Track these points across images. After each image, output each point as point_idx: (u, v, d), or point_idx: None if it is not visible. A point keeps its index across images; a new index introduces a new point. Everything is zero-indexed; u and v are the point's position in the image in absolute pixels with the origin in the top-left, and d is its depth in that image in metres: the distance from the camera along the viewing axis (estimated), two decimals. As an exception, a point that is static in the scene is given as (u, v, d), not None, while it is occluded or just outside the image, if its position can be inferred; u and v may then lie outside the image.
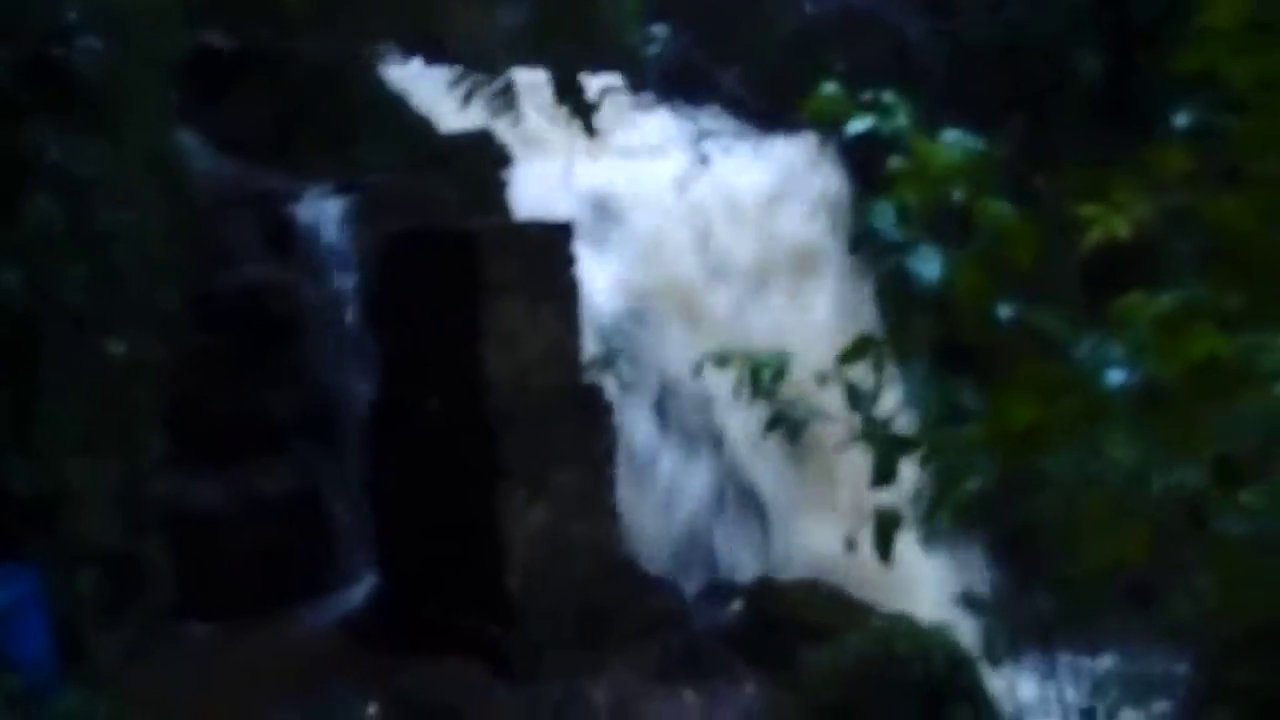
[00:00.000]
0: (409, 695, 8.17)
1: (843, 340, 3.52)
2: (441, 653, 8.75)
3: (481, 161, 11.63)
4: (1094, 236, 2.56)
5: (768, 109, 13.44)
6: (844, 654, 8.07)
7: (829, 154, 12.82)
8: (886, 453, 3.47)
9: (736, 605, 10.20)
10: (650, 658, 9.21)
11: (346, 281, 10.01)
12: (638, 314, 9.88)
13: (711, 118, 12.98)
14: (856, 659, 8.00)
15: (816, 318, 11.70)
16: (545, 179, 11.52)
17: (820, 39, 14.10)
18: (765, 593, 9.30)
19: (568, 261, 9.13)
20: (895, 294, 3.12)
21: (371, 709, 7.58)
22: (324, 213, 10.03)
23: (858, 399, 3.52)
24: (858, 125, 3.20)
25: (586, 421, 9.19)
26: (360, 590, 9.98)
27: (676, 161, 11.75)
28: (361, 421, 9.67)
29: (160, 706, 7.99)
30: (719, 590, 10.46)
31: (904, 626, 8.11)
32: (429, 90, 12.73)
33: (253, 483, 9.90)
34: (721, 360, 3.79)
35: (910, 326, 3.29)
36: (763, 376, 3.80)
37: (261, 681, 8.58)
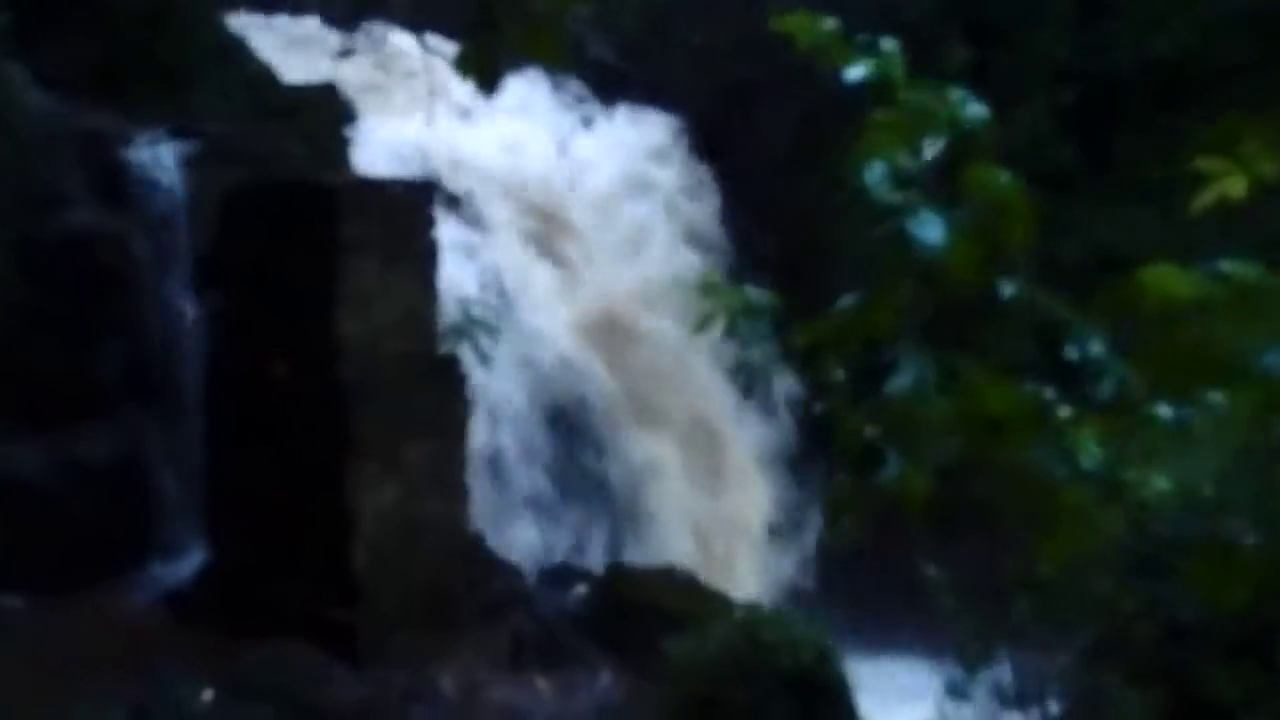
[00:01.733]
0: (245, 680, 7.56)
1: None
2: (278, 634, 8.12)
3: (325, 116, 10.99)
4: (1207, 197, 2.19)
5: (622, 79, 13.17)
6: (708, 643, 7.78)
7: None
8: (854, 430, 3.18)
9: (582, 589, 9.87)
10: (500, 643, 8.77)
11: (182, 233, 9.26)
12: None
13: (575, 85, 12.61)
14: (722, 648, 7.72)
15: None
16: (392, 138, 11.02)
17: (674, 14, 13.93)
18: (618, 578, 8.92)
19: (428, 222, 8.59)
20: (889, 257, 2.82)
21: (206, 694, 6.99)
22: (159, 158, 9.25)
23: (826, 373, 3.24)
24: (855, 72, 2.90)
25: (442, 393, 8.71)
26: (187, 564, 9.29)
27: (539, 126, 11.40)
28: (196, 385, 9.02)
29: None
30: (563, 574, 10.10)
31: (769, 615, 7.87)
32: (271, 40, 12.06)
33: (74, 448, 9.06)
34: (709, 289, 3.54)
35: (902, 293, 2.99)
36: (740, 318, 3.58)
37: (81, 663, 7.84)
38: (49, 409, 8.84)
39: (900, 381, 2.98)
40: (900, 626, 11.70)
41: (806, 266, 12.76)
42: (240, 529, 8.76)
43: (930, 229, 2.84)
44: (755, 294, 4.32)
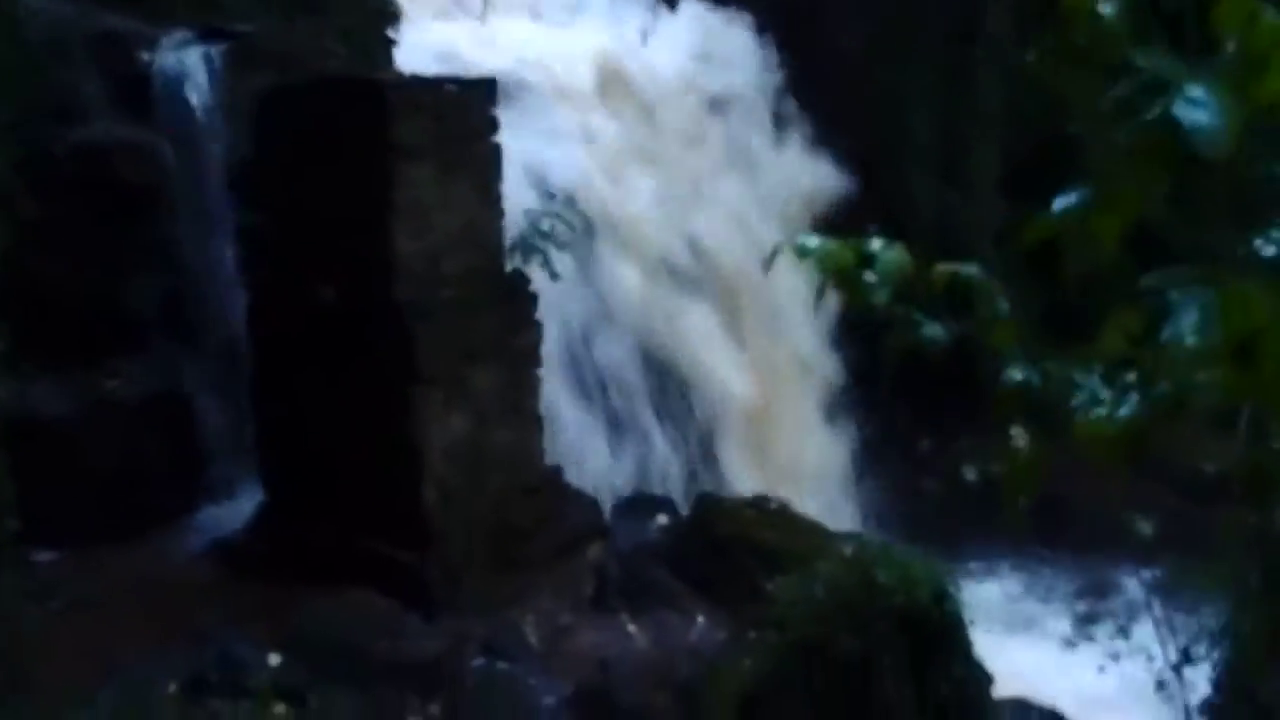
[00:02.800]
0: (308, 636, 6.77)
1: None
2: (340, 582, 7.28)
3: (366, 14, 9.99)
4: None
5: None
6: (815, 584, 6.93)
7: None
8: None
9: (664, 519, 9.04)
10: (581, 582, 7.93)
11: (214, 144, 8.30)
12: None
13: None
14: (831, 589, 6.85)
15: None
16: (440, 41, 10.01)
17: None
18: (707, 510, 8.03)
19: (489, 124, 7.64)
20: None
21: (272, 659, 6.19)
22: (186, 62, 8.31)
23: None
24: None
25: (510, 314, 7.82)
26: (236, 508, 8.41)
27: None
28: (237, 311, 8.11)
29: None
30: (641, 504, 9.25)
31: (880, 551, 6.99)
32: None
33: (105, 385, 8.24)
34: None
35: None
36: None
37: (125, 623, 7.03)
38: (75, 344, 7.95)
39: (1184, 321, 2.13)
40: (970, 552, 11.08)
41: (880, 164, 11.84)
42: (294, 468, 7.90)
43: (1198, 109, 1.97)
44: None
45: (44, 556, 7.77)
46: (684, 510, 9.11)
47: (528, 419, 7.96)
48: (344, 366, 7.52)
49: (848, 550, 7.02)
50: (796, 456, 10.63)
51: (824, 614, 6.67)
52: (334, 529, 7.54)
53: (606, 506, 8.99)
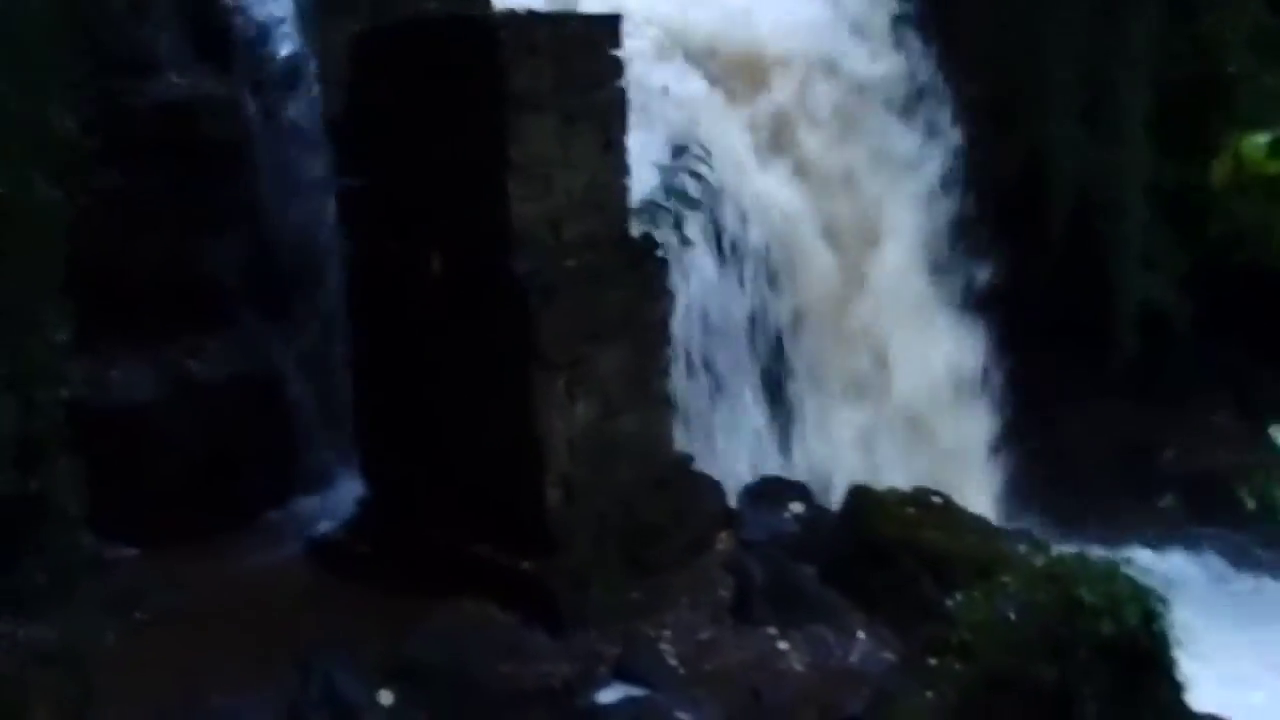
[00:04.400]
0: (422, 666, 5.82)
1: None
2: (454, 592, 6.29)
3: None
4: None
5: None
6: (1006, 602, 5.87)
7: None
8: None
9: (798, 508, 7.98)
10: (718, 587, 6.95)
11: (305, 96, 7.32)
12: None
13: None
14: (1026, 612, 5.77)
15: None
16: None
17: None
18: (862, 505, 6.95)
19: (613, 68, 6.59)
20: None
21: (384, 697, 5.22)
22: (273, 8, 7.30)
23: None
24: None
25: (638, 285, 6.76)
26: (332, 500, 7.47)
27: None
28: (334, 284, 7.17)
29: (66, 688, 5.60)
30: (770, 490, 8.20)
31: (1079, 565, 5.91)
32: None
33: (186, 365, 7.30)
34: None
35: None
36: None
37: (215, 639, 6.10)
38: (155, 321, 7.01)
39: None
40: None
41: (1017, 110, 10.61)
42: (399, 460, 6.90)
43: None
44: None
45: (124, 554, 6.90)
46: (817, 497, 8.11)
47: (657, 402, 6.89)
48: (455, 346, 6.50)
49: (1038, 561, 5.93)
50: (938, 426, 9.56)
51: (1018, 640, 5.60)
52: (445, 530, 6.54)
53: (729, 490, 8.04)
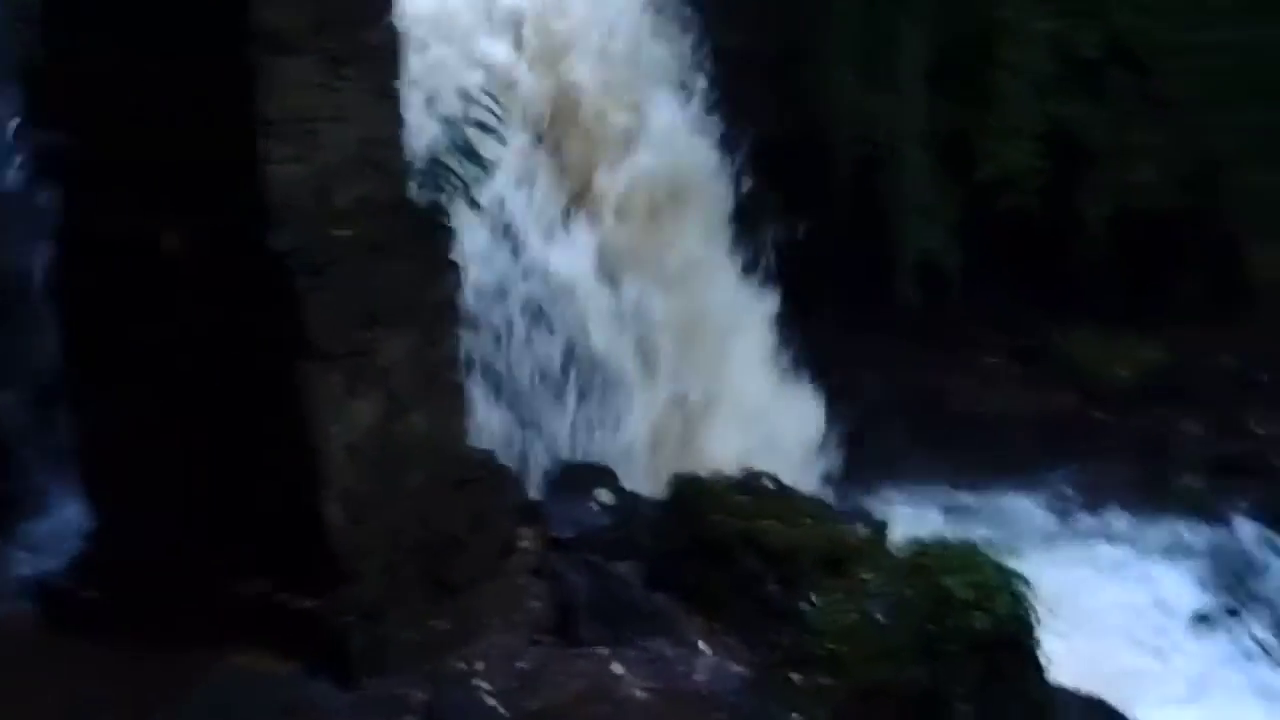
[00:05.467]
0: (188, 737, 4.65)
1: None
2: (214, 643, 5.10)
3: None
4: None
5: None
6: (872, 603, 5.15)
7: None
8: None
9: (606, 496, 7.09)
10: (532, 600, 6.01)
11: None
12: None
13: None
14: (894, 610, 5.10)
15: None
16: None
17: None
18: (689, 494, 6.08)
19: (385, 2, 5.46)
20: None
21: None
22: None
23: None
24: None
25: (424, 258, 5.67)
26: (50, 529, 6.17)
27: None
28: (38, 271, 5.80)
29: None
30: (572, 476, 7.29)
31: (946, 553, 5.22)
32: None
33: None
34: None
35: None
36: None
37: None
38: None
39: None
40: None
41: (795, 60, 9.94)
42: (133, 480, 5.61)
43: None
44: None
45: None
46: (625, 482, 7.24)
47: (450, 393, 5.83)
48: (200, 340, 5.25)
49: (900, 553, 5.25)
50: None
51: (890, 646, 4.91)
52: (198, 566, 5.32)
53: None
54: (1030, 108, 10.26)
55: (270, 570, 5.21)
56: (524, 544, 6.27)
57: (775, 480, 6.11)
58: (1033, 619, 5.16)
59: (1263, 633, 7.96)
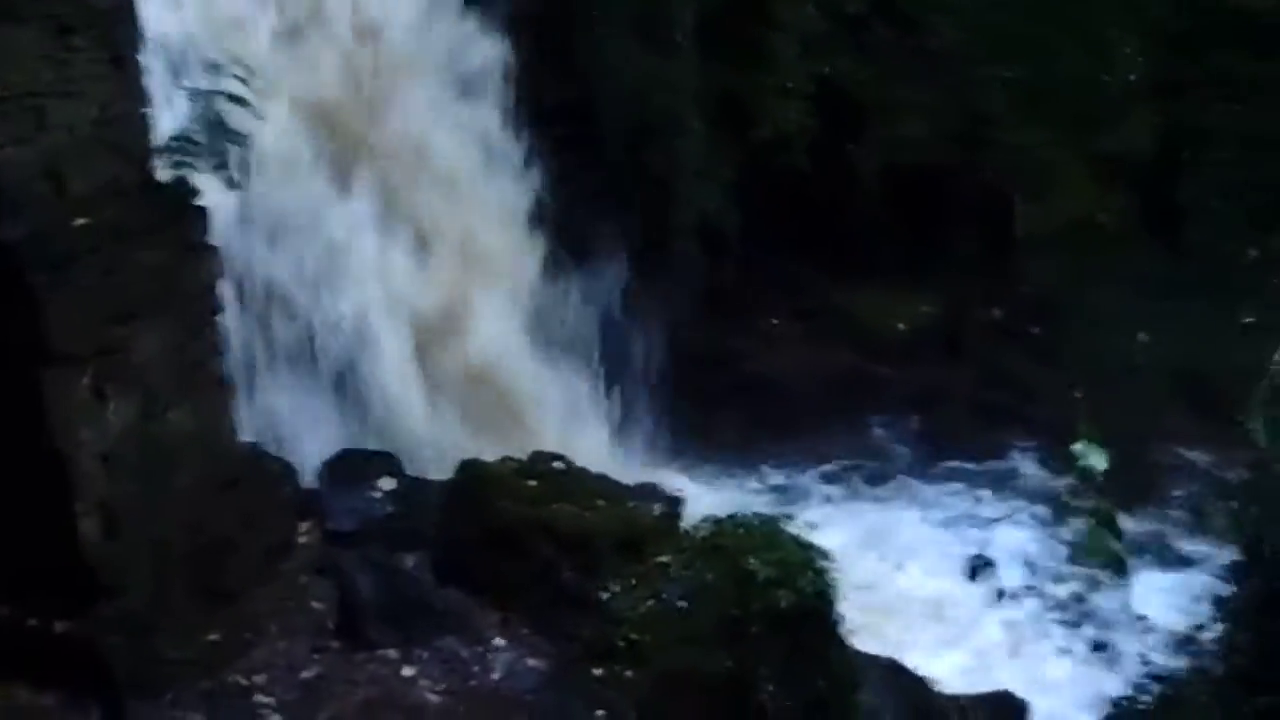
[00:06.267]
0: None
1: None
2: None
3: None
4: None
5: None
6: (672, 587, 4.99)
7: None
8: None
9: (388, 484, 6.75)
10: (311, 596, 5.66)
11: None
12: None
13: None
14: (696, 594, 4.95)
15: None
16: None
17: None
18: (475, 481, 5.74)
19: (118, -38, 4.96)
20: None
21: None
22: None
23: None
24: None
25: (175, 243, 5.22)
26: None
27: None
28: None
29: None
30: (349, 465, 6.88)
31: (744, 532, 5.10)
32: None
33: None
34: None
35: None
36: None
37: None
38: None
39: None
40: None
41: (567, 26, 9.65)
42: None
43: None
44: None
45: None
46: (408, 467, 6.91)
47: (214, 387, 5.41)
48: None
49: (700, 533, 5.10)
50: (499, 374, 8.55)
51: (693, 631, 4.77)
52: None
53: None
54: (800, 66, 10.28)
55: (22, 592, 4.74)
56: (302, 539, 5.94)
57: (565, 461, 5.90)
58: (833, 592, 5.11)
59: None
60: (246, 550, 5.44)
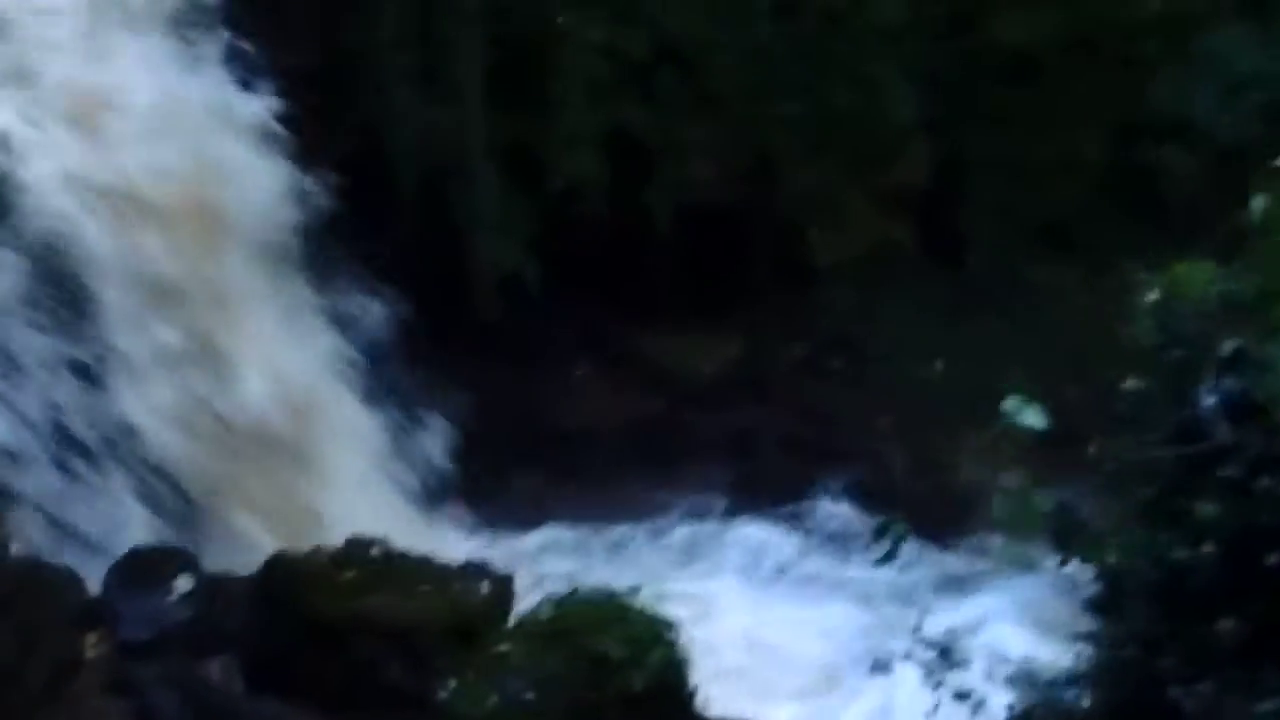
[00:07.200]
0: None
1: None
2: None
3: None
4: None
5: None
6: (515, 679, 4.60)
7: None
8: None
9: (185, 584, 6.14)
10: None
11: None
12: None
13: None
14: (543, 684, 4.58)
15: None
16: None
17: None
18: (287, 577, 5.24)
19: None
20: None
21: None
22: None
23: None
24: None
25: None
26: None
27: None
28: None
29: None
30: (143, 564, 6.26)
31: (589, 610, 4.78)
32: None
33: None
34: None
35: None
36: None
37: None
38: None
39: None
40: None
41: (349, 79, 9.20)
42: None
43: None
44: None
45: None
46: (203, 561, 6.32)
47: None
48: None
49: (541, 615, 4.75)
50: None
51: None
52: None
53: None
54: (588, 114, 10.11)
55: None
56: (90, 653, 5.34)
57: (382, 545, 5.47)
58: (687, 665, 4.85)
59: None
60: (27, 677, 4.83)
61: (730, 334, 10.45)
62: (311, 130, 8.65)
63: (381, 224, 8.93)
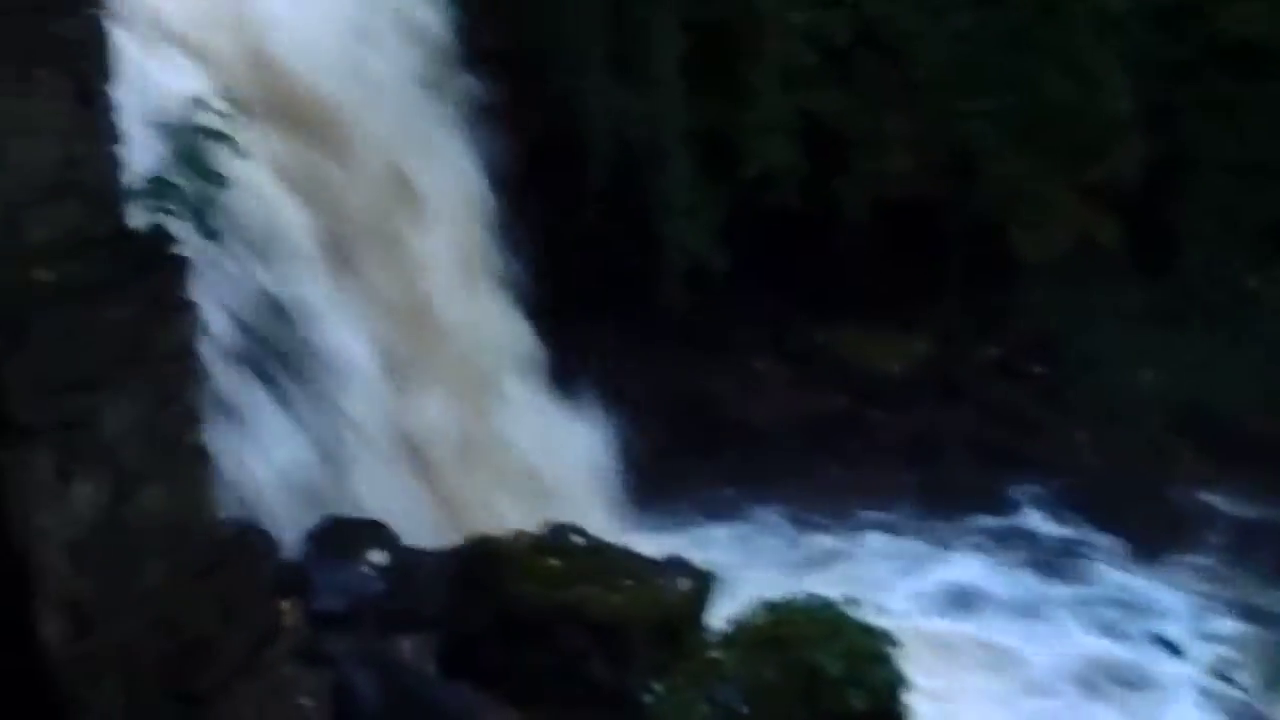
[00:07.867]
0: None
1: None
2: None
3: None
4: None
5: None
6: (726, 689, 4.38)
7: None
8: None
9: (378, 558, 6.11)
10: (297, 696, 5.01)
11: None
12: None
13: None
14: (755, 695, 4.35)
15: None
16: None
17: None
18: (488, 560, 5.11)
19: (84, -13, 4.35)
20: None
21: None
22: None
23: None
24: None
25: (149, 300, 4.62)
26: None
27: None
28: None
29: None
30: (338, 535, 6.26)
31: (805, 620, 4.52)
32: None
33: None
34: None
35: None
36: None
37: None
38: None
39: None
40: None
41: (541, 64, 9.08)
42: None
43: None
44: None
45: None
46: (400, 535, 6.26)
47: (193, 460, 4.78)
48: None
49: (756, 621, 4.51)
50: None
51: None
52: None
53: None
54: (784, 101, 9.81)
55: (-28, 707, 4.09)
56: (286, 622, 5.29)
57: (583, 534, 5.30)
58: (904, 685, 4.55)
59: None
60: (226, 646, 4.78)
61: (920, 332, 10.08)
62: (507, 113, 8.58)
63: (571, 209, 8.82)
